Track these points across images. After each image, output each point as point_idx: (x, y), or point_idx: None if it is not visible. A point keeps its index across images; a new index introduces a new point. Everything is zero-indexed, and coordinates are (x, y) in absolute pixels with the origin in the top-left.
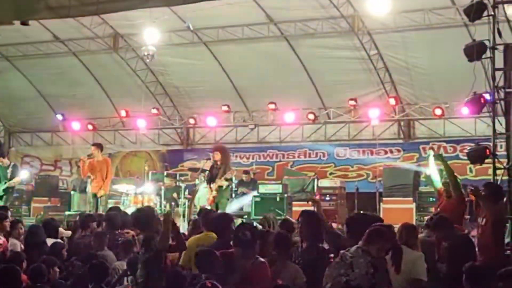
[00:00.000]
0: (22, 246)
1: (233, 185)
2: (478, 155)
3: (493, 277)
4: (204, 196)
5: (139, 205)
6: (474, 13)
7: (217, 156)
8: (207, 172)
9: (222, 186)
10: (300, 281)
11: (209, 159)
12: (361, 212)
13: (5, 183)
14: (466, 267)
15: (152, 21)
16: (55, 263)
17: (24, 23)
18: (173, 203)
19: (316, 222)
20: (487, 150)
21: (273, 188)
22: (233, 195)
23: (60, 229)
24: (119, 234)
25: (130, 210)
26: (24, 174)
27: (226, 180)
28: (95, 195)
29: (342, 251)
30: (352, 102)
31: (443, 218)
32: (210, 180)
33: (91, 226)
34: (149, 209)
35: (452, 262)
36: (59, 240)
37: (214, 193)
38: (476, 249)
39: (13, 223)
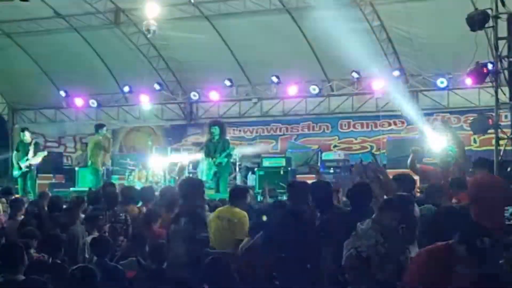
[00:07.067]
0: None
1: (237, 158)
2: (480, 125)
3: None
4: (207, 169)
5: (143, 180)
6: None
7: (216, 130)
8: (204, 147)
9: (222, 163)
10: None
11: (211, 134)
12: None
13: (27, 159)
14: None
15: None
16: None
17: None
18: (176, 178)
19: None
20: (490, 120)
21: (277, 161)
22: (237, 169)
23: None
24: (119, 210)
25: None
26: (43, 152)
27: (227, 156)
28: None
29: (358, 223)
30: (355, 74)
31: (434, 186)
32: (208, 154)
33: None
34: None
35: (429, 232)
36: None
37: (215, 168)
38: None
39: None
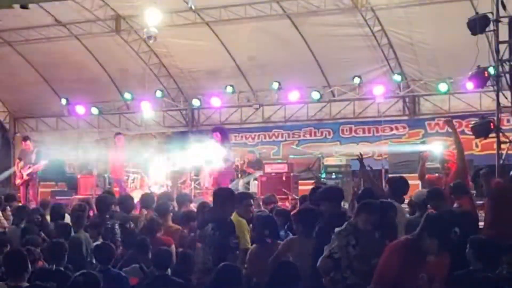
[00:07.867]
0: None
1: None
2: (482, 129)
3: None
4: (207, 176)
5: (145, 188)
6: None
7: (217, 137)
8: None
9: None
10: None
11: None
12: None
13: (29, 167)
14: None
15: (153, 2)
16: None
17: (23, 7)
18: (179, 184)
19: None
20: (491, 124)
21: (279, 167)
22: (239, 175)
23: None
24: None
25: (136, 192)
26: (45, 160)
27: (225, 161)
28: None
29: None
30: (357, 80)
31: (436, 190)
32: (210, 161)
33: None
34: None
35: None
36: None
37: (216, 174)
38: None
39: None
